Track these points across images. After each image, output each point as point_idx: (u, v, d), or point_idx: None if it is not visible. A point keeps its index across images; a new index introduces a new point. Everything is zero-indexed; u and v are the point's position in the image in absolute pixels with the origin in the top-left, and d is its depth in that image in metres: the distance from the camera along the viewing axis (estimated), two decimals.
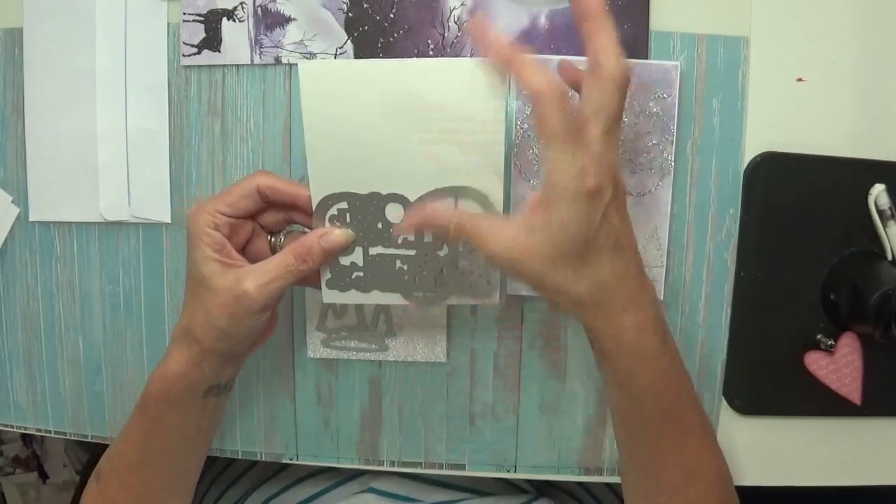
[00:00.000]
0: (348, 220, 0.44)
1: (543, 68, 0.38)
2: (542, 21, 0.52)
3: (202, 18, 0.53)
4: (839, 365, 0.54)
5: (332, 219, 0.44)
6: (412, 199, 0.43)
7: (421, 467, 0.58)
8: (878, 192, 0.52)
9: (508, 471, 0.57)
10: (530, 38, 0.52)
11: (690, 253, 0.54)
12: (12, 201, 0.57)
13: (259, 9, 0.53)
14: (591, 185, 0.37)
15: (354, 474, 0.63)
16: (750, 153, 0.53)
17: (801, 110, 0.53)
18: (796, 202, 0.53)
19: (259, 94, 0.54)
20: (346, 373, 0.57)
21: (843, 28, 0.52)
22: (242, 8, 0.53)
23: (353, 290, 0.46)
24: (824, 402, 0.55)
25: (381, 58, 0.52)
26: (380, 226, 0.44)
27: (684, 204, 0.53)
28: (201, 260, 0.42)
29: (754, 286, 0.54)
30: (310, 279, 0.45)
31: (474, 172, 0.42)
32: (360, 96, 0.41)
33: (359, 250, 0.45)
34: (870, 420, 0.56)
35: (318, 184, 0.43)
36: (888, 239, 0.52)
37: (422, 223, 0.43)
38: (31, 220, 0.57)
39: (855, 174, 0.53)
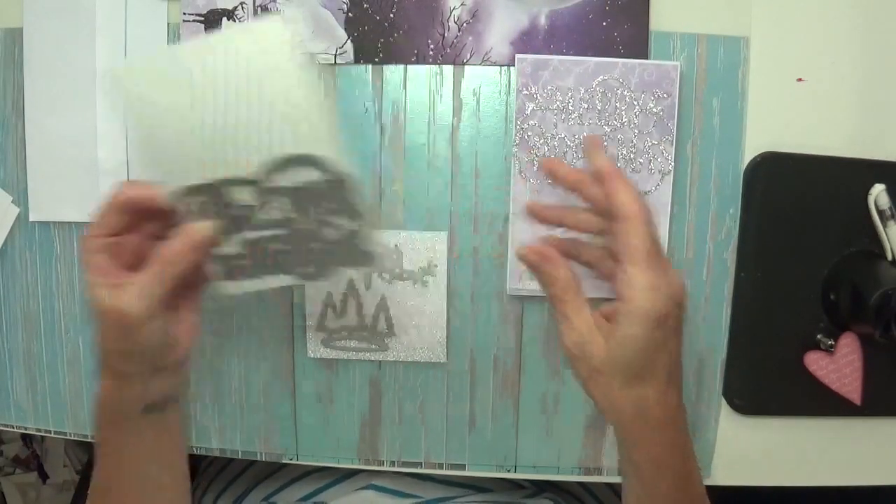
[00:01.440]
0: (211, 211, 0.42)
1: (636, 191, 0.41)
2: (542, 21, 0.52)
3: (202, 18, 0.53)
4: (839, 365, 0.53)
5: (194, 214, 0.42)
6: (254, 177, 0.42)
7: (421, 467, 0.58)
8: (878, 192, 0.52)
9: (508, 471, 0.57)
10: (530, 38, 0.52)
11: (690, 253, 0.54)
12: (12, 201, 0.57)
13: (259, 8, 0.53)
14: (662, 310, 0.39)
15: (354, 471, 0.63)
16: (750, 153, 0.53)
17: (801, 110, 0.53)
18: (796, 202, 0.53)
19: None
20: (346, 373, 0.57)
21: (843, 28, 0.52)
22: (242, 8, 0.53)
23: (243, 280, 0.45)
24: (824, 402, 0.55)
25: (380, 58, 0.52)
26: (237, 211, 0.43)
27: (684, 204, 0.53)
28: (88, 288, 0.41)
29: (754, 286, 0.54)
30: (196, 278, 0.44)
31: (304, 138, 0.41)
32: (172, 87, 0.40)
33: (236, 239, 0.44)
34: (870, 420, 0.56)
35: (166, 184, 0.42)
36: (888, 239, 0.52)
37: (538, 262, 0.43)
38: (31, 220, 0.57)
39: (855, 174, 0.53)
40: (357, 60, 0.53)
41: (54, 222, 0.57)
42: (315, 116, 0.41)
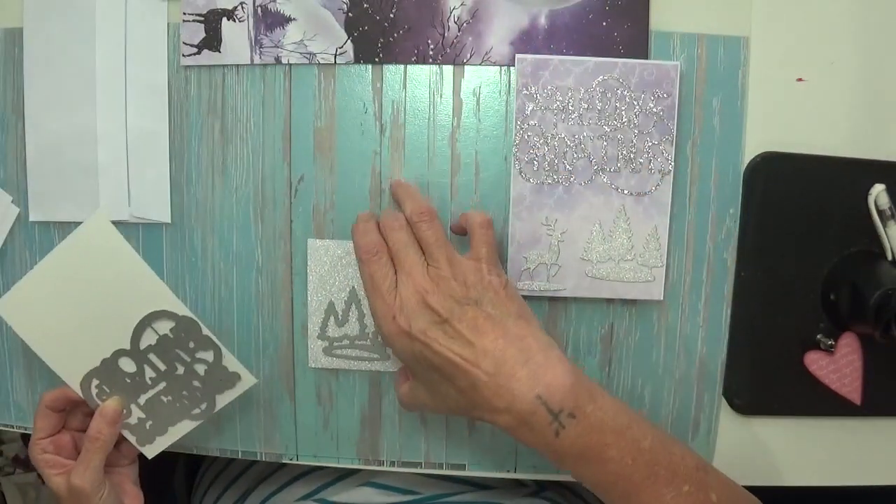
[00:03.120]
0: (109, 389, 0.52)
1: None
2: (542, 21, 0.52)
3: (202, 18, 0.53)
4: (839, 365, 0.54)
5: (98, 395, 0.52)
6: (129, 347, 0.52)
7: (421, 467, 0.58)
8: (878, 192, 0.52)
9: (508, 471, 0.57)
10: (530, 38, 0.52)
11: (690, 253, 0.54)
12: (12, 201, 0.57)
13: (259, 9, 0.53)
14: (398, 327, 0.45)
15: (354, 469, 0.63)
16: (750, 153, 0.53)
17: (801, 110, 0.53)
18: (796, 202, 0.53)
19: (259, 93, 0.54)
20: (347, 373, 0.57)
21: (843, 28, 0.52)
22: (242, 8, 0.53)
23: (156, 438, 0.54)
24: (824, 402, 0.55)
25: (380, 58, 0.52)
26: (127, 380, 0.52)
27: (684, 204, 0.53)
28: (47, 480, 0.51)
29: (754, 286, 0.54)
30: (122, 455, 0.55)
31: (147, 299, 0.51)
32: (49, 304, 0.51)
33: (134, 407, 0.53)
34: (870, 420, 0.56)
35: (68, 378, 0.52)
36: (888, 239, 0.52)
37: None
38: (31, 220, 0.57)
39: (855, 174, 0.53)
40: (357, 60, 0.53)
41: (54, 222, 0.57)
42: (147, 280, 0.51)
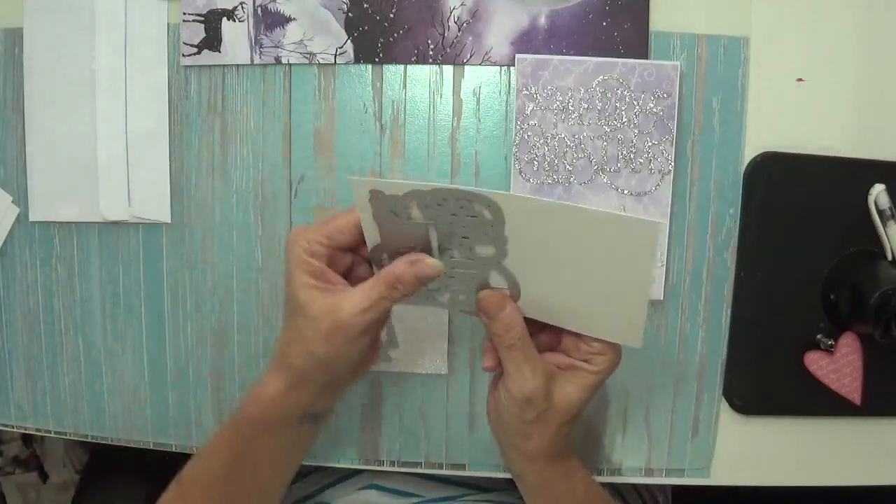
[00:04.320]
0: (436, 222, 0.42)
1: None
2: (542, 21, 0.52)
3: (202, 18, 0.53)
4: (839, 365, 0.53)
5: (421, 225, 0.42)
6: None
7: (421, 467, 0.58)
8: (878, 192, 0.52)
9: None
10: (530, 38, 0.52)
11: (690, 253, 0.54)
12: (12, 201, 0.57)
13: (259, 9, 0.53)
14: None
15: (356, 470, 0.63)
16: (750, 153, 0.53)
17: (801, 110, 0.53)
18: (796, 202, 0.53)
19: (259, 93, 0.54)
20: None
21: (843, 28, 0.52)
22: (242, 8, 0.53)
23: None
24: (824, 402, 0.55)
25: (380, 58, 0.52)
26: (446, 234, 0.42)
27: (684, 204, 0.53)
28: (299, 287, 0.41)
29: (754, 286, 0.54)
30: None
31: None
32: None
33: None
34: (870, 420, 0.56)
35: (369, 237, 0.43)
36: (888, 239, 0.52)
37: (500, 302, 0.43)
38: (31, 220, 0.57)
39: (855, 174, 0.53)
40: (357, 60, 0.53)
41: (54, 222, 0.57)
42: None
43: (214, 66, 0.54)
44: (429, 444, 0.57)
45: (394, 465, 0.58)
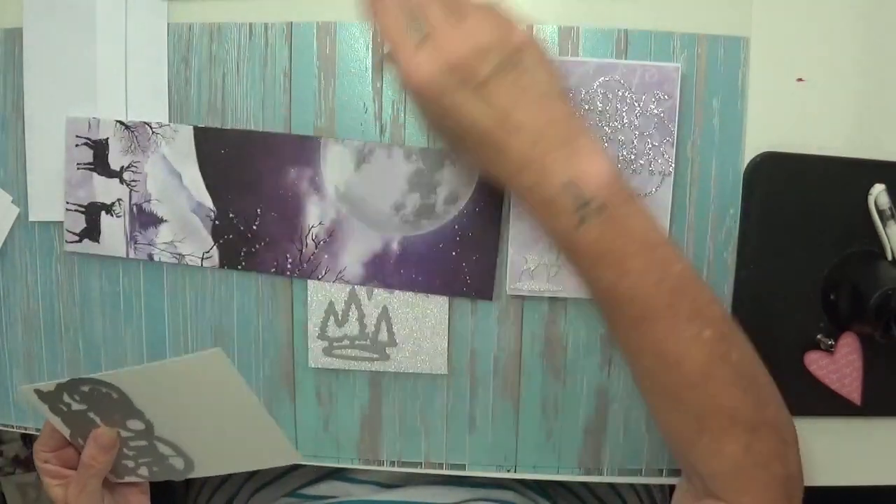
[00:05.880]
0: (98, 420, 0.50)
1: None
2: (395, 246, 0.53)
3: (83, 209, 0.55)
4: (839, 365, 0.54)
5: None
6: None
7: (421, 467, 0.58)
8: (878, 192, 0.52)
9: (508, 471, 0.57)
10: (383, 262, 0.54)
11: (690, 253, 0.54)
12: (12, 201, 0.57)
13: (134, 207, 0.55)
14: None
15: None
16: (750, 153, 0.53)
17: (801, 110, 0.53)
18: (796, 202, 0.53)
19: (259, 93, 0.54)
20: (347, 373, 0.57)
21: (843, 28, 0.52)
22: (119, 204, 0.54)
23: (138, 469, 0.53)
24: (824, 402, 0.55)
25: (242, 265, 0.55)
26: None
27: (684, 204, 0.53)
28: (46, 487, 0.50)
29: (754, 286, 0.54)
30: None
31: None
32: None
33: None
34: (870, 420, 0.56)
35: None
36: (888, 239, 0.52)
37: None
38: (31, 220, 0.57)
39: (855, 174, 0.53)
40: (222, 265, 0.55)
41: (54, 222, 0.57)
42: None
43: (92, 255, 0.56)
44: (429, 444, 0.57)
45: (394, 465, 0.58)
